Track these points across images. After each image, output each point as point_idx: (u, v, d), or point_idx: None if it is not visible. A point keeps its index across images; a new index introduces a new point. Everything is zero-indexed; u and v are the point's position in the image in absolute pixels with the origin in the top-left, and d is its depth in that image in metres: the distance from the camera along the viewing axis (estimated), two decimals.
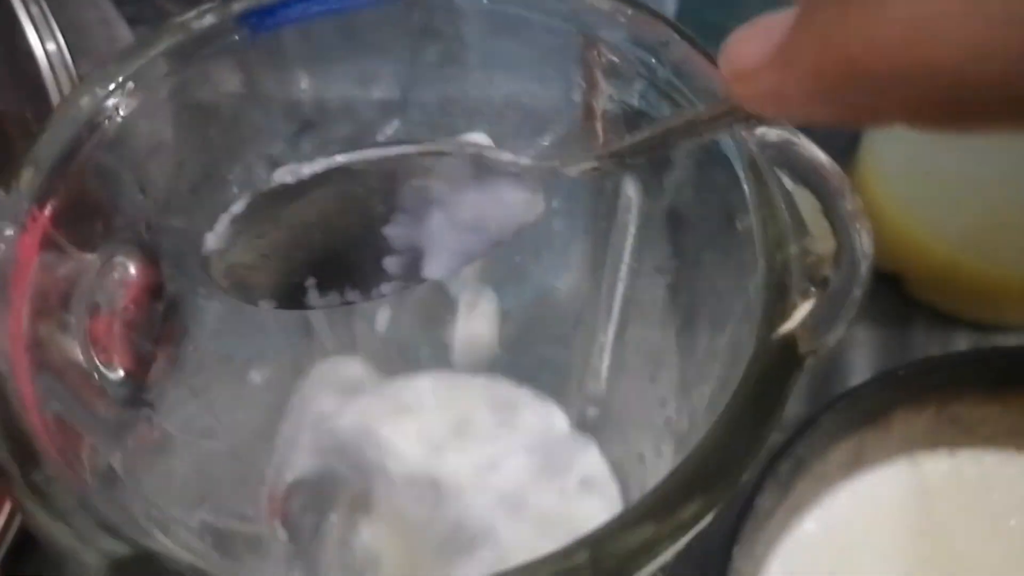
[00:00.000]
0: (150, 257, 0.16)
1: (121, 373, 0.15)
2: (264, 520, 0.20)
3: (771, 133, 0.13)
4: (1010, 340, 0.31)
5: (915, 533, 0.25)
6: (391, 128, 0.28)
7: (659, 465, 0.19)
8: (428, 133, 0.28)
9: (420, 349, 0.27)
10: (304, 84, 0.25)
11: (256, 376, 0.21)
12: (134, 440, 0.16)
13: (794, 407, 0.30)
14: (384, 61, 0.26)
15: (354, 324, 0.26)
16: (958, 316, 0.32)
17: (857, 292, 0.12)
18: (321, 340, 0.24)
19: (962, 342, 0.32)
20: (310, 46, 0.24)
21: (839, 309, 0.12)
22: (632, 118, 0.21)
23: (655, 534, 0.11)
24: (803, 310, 0.12)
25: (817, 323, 0.12)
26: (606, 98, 0.22)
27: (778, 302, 0.12)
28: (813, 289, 0.12)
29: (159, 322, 0.16)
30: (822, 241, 0.12)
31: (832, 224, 0.12)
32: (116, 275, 0.15)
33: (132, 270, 0.15)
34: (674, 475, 0.11)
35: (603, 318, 0.22)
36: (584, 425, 0.25)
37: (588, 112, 0.23)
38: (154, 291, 0.16)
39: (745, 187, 0.13)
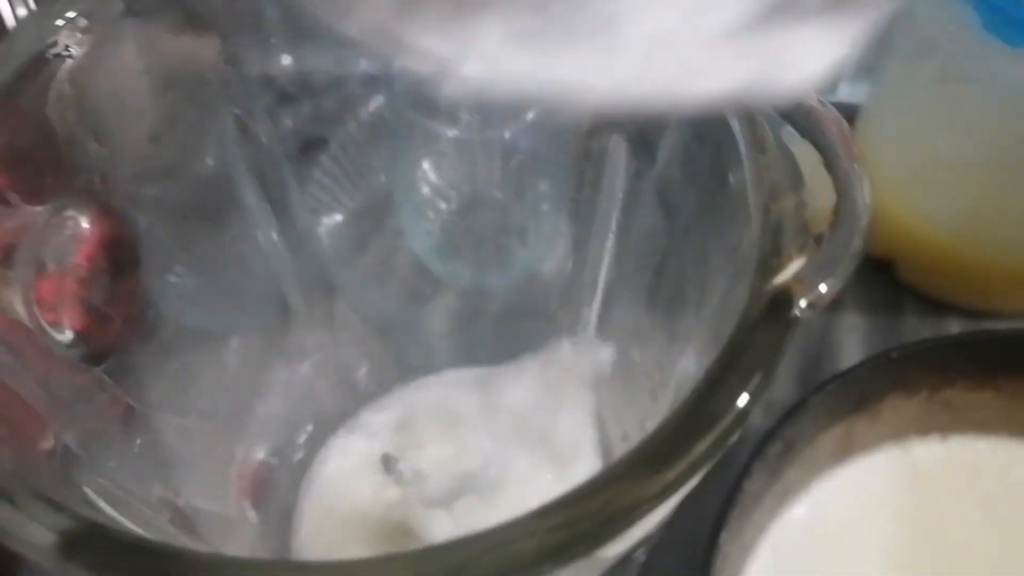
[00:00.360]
0: (106, 212, 0.15)
1: (70, 335, 0.14)
2: (232, 499, 0.19)
3: None
4: (1002, 327, 0.30)
5: (906, 520, 0.25)
6: (375, 104, 0.27)
7: None
8: (413, 109, 0.27)
9: (401, 329, 0.26)
10: (283, 51, 0.25)
11: (228, 352, 0.20)
12: (92, 413, 0.15)
13: (784, 392, 0.30)
14: None
15: (333, 303, 0.25)
16: (950, 302, 0.32)
17: (857, 243, 0.12)
18: (298, 318, 0.23)
19: (954, 328, 0.31)
20: (289, 13, 0.23)
21: (837, 260, 0.11)
22: None
23: (640, 493, 0.10)
24: (798, 263, 0.12)
25: (813, 274, 0.11)
26: None
27: (772, 255, 0.12)
28: (811, 243, 0.12)
29: (114, 282, 0.15)
30: (822, 195, 0.12)
31: (831, 174, 0.12)
32: (67, 230, 0.14)
33: (85, 225, 0.14)
34: (659, 431, 0.10)
35: (588, 292, 0.21)
36: None
37: None
38: (110, 248, 0.15)
39: (739, 140, 0.13)
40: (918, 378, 0.25)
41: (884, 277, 0.32)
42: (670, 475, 0.10)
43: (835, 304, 0.33)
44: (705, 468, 0.11)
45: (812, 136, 0.12)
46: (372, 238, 0.28)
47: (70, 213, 0.14)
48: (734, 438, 0.11)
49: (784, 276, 0.11)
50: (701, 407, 0.11)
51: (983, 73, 0.26)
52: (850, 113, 0.33)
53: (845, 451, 0.25)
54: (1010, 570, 0.24)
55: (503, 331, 0.26)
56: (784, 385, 0.30)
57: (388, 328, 0.25)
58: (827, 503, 0.25)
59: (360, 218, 0.28)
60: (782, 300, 0.11)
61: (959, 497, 0.25)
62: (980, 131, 0.27)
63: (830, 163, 0.12)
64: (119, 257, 0.15)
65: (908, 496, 0.25)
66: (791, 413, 0.23)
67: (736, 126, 0.13)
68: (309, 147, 0.26)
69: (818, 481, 0.25)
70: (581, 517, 0.10)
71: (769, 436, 0.23)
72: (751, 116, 0.12)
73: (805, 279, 0.11)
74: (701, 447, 0.10)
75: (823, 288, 0.11)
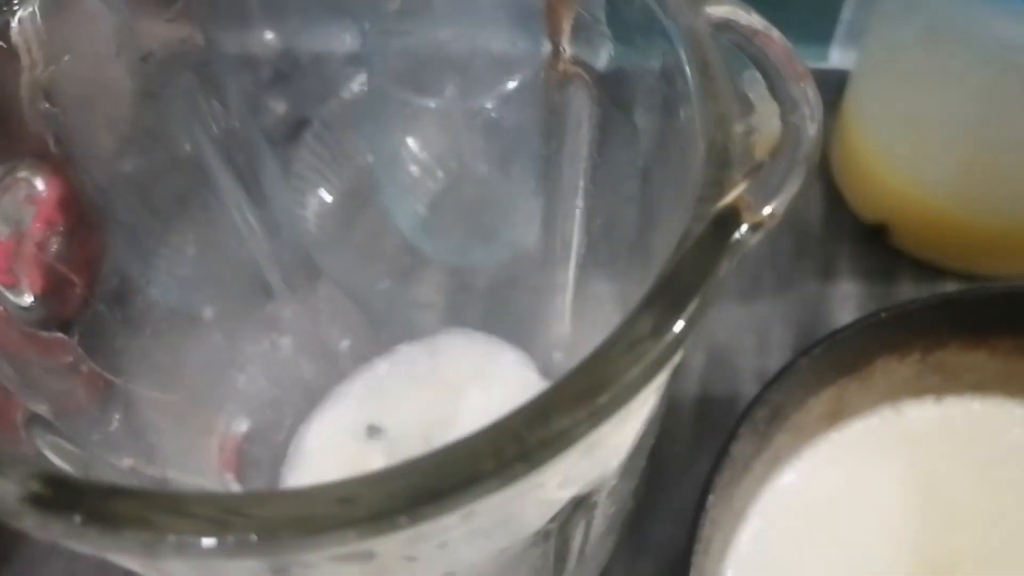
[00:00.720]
0: (62, 173, 0.15)
1: (29, 298, 0.14)
2: (215, 473, 0.19)
3: (718, 10, 0.12)
4: (995, 285, 0.30)
5: (900, 484, 0.25)
6: (357, 82, 0.27)
7: None
8: (395, 85, 0.27)
9: (385, 305, 0.26)
10: (264, 30, 0.25)
11: (205, 324, 0.20)
12: (64, 384, 0.15)
13: (777, 361, 0.30)
14: (348, 13, 0.26)
15: (315, 282, 0.25)
16: (945, 267, 0.31)
17: (801, 163, 0.11)
18: (277, 296, 0.23)
19: None
20: None
21: (781, 181, 0.11)
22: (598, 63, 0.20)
23: (569, 418, 0.10)
24: (742, 187, 0.11)
25: (756, 196, 0.11)
26: (572, 41, 0.21)
27: (715, 182, 0.11)
28: (755, 167, 0.11)
29: (75, 244, 0.15)
30: (771, 119, 0.12)
31: (774, 96, 0.11)
32: (20, 192, 0.14)
33: (40, 187, 0.14)
34: (593, 355, 0.10)
35: (563, 255, 0.21)
36: (550, 371, 0.24)
37: (554, 55, 0.23)
38: (68, 210, 0.15)
39: (687, 71, 0.12)
40: (910, 339, 0.24)
41: (877, 244, 0.32)
42: (603, 398, 0.10)
43: (828, 272, 0.32)
44: (643, 390, 0.10)
45: (756, 59, 0.12)
46: (357, 216, 0.28)
47: (22, 174, 0.14)
48: (672, 361, 0.10)
49: (727, 199, 0.11)
50: (637, 326, 0.10)
51: (970, 29, 0.25)
52: (841, 79, 0.33)
53: (837, 415, 0.25)
54: (1006, 532, 0.24)
55: (488, 304, 0.26)
56: (776, 355, 0.30)
57: (371, 304, 0.25)
58: (819, 468, 0.25)
59: (345, 197, 0.28)
60: (724, 222, 0.11)
61: (954, 459, 0.25)
62: (968, 89, 0.26)
63: (773, 85, 0.11)
64: (79, 220, 0.15)
65: (902, 459, 0.25)
66: (779, 377, 0.23)
67: (684, 57, 0.12)
68: (294, 127, 0.26)
69: (809, 446, 0.25)
70: (514, 435, 0.09)
71: (757, 401, 0.22)
72: (698, 44, 0.12)
73: (748, 202, 0.11)
74: (636, 369, 0.10)
75: (767, 210, 0.11)
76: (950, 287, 0.31)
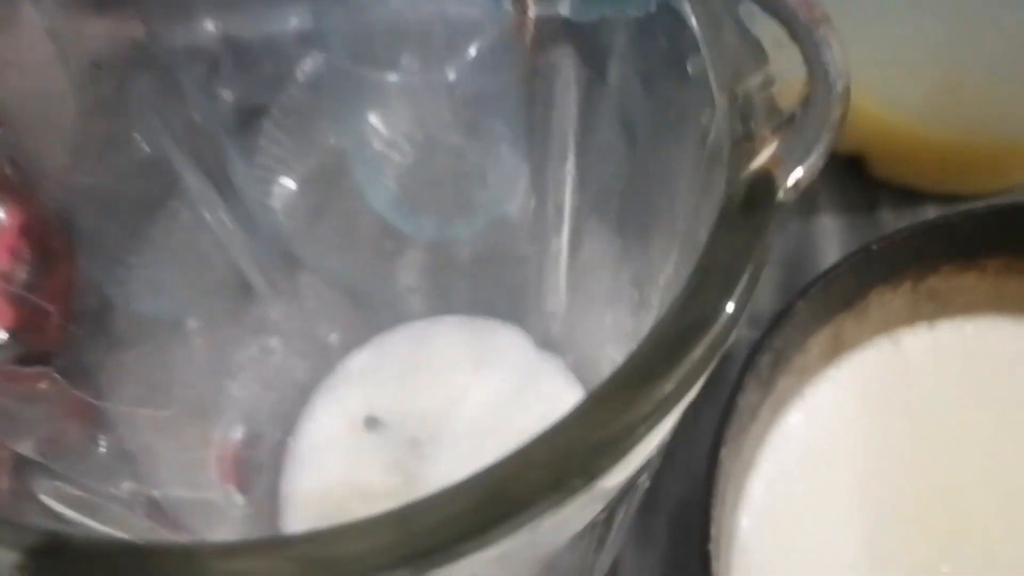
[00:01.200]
0: (23, 199, 0.14)
1: (3, 335, 0.13)
2: (216, 485, 0.19)
3: None
4: (980, 206, 0.30)
5: (902, 412, 0.25)
6: (312, 62, 0.26)
7: None
8: (351, 61, 0.26)
9: (370, 290, 0.25)
10: (207, 18, 0.23)
11: (190, 335, 0.19)
12: (47, 418, 0.14)
13: (767, 302, 0.29)
14: None
15: (296, 275, 0.25)
16: (925, 191, 0.31)
17: (836, 112, 0.11)
18: (260, 295, 0.22)
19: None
20: None
21: (817, 133, 0.11)
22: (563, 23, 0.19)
23: (634, 412, 0.09)
24: (774, 144, 0.11)
25: (791, 153, 0.11)
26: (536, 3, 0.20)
27: (744, 140, 0.11)
28: (784, 121, 0.11)
29: (46, 272, 0.14)
30: (788, 70, 0.11)
31: (796, 42, 0.11)
32: None
33: (1, 215, 0.13)
34: (648, 342, 0.10)
35: (555, 222, 0.20)
36: (549, 343, 0.23)
37: (519, 18, 0.22)
38: (34, 236, 0.14)
39: (693, 24, 0.12)
40: (902, 268, 0.24)
41: (855, 175, 0.32)
42: (666, 388, 0.09)
43: (808, 207, 0.32)
44: (703, 375, 0.10)
45: (770, 6, 0.11)
46: (330, 202, 0.27)
47: None
48: (731, 339, 0.10)
49: (761, 159, 0.11)
50: (690, 309, 0.10)
51: None
52: None
53: (835, 352, 0.25)
54: (1010, 448, 0.24)
55: (475, 280, 0.25)
56: (766, 296, 0.30)
57: (356, 291, 0.25)
58: (822, 406, 0.25)
59: (314, 183, 0.27)
60: (762, 185, 0.10)
61: (952, 382, 0.25)
62: (935, 6, 0.26)
63: (793, 31, 0.11)
64: (46, 245, 0.14)
65: (902, 388, 0.25)
66: (778, 321, 0.22)
67: (687, 9, 0.12)
68: (251, 116, 0.25)
69: (810, 386, 0.25)
70: (573, 447, 0.09)
71: (758, 348, 0.22)
72: None
73: (783, 159, 0.11)
74: (697, 352, 0.09)
75: (803, 167, 0.11)
76: (932, 210, 0.31)
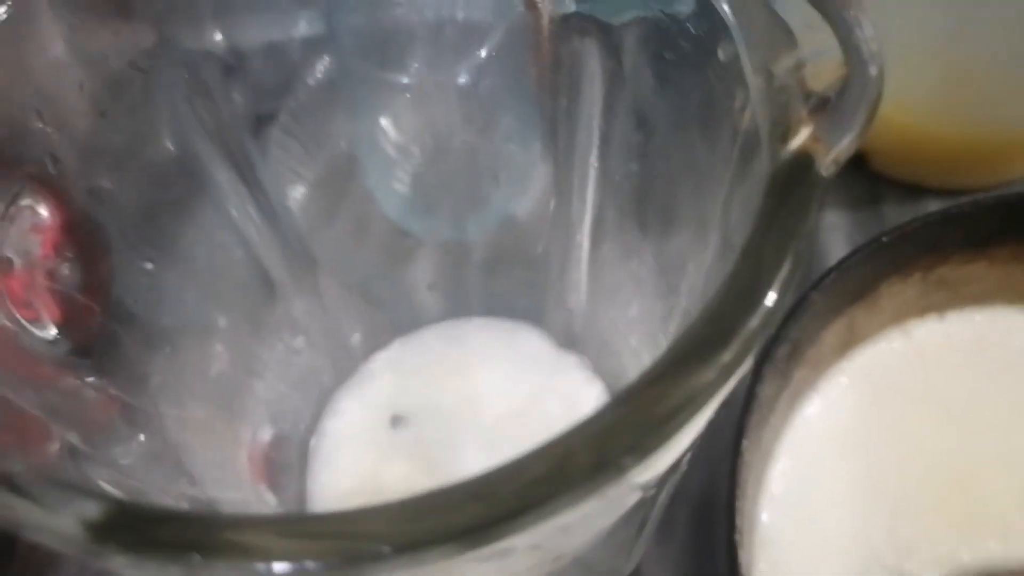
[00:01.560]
0: (63, 195, 0.14)
1: (53, 330, 0.13)
2: (248, 485, 0.19)
3: None
4: (989, 196, 0.30)
5: (915, 402, 0.25)
6: (322, 66, 0.26)
7: None
8: (361, 65, 0.26)
9: (387, 291, 0.25)
10: (217, 26, 0.24)
11: (217, 335, 0.19)
12: (88, 411, 0.14)
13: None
14: None
15: (317, 274, 0.25)
16: (928, 186, 0.31)
17: (873, 88, 0.11)
18: (284, 294, 0.22)
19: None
20: None
21: (855, 109, 0.11)
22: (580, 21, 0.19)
23: (696, 380, 0.09)
24: (811, 124, 0.11)
25: (831, 130, 0.11)
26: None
27: (783, 120, 0.11)
28: (819, 100, 0.11)
29: (87, 268, 0.14)
30: (817, 52, 0.11)
31: (828, 22, 0.11)
32: (26, 221, 0.13)
33: (43, 213, 0.13)
34: (706, 312, 0.10)
35: (577, 217, 0.20)
36: (569, 339, 0.23)
37: (533, 15, 0.22)
38: (74, 233, 0.14)
39: (725, 7, 0.12)
40: (912, 259, 0.24)
41: (858, 171, 0.32)
42: (726, 357, 0.10)
43: None
44: (759, 344, 0.10)
45: None
46: (341, 206, 0.27)
47: (25, 202, 0.13)
48: (783, 308, 0.10)
49: (799, 139, 0.11)
50: (745, 280, 0.10)
51: None
52: None
53: (848, 344, 0.25)
54: (1021, 434, 0.25)
55: (491, 280, 0.26)
56: None
57: (374, 292, 0.25)
58: (837, 398, 0.25)
59: (325, 188, 0.27)
60: (804, 161, 0.11)
61: (963, 372, 0.26)
62: (939, 1, 0.26)
63: (825, 11, 0.11)
64: (86, 241, 0.14)
65: (914, 378, 0.25)
66: (793, 313, 0.23)
67: None
68: (261, 122, 0.25)
69: (825, 378, 0.25)
70: (638, 416, 0.09)
71: (775, 339, 0.22)
72: None
73: (822, 138, 0.11)
74: (754, 321, 0.10)
75: (840, 146, 0.11)
76: (932, 207, 0.31)
